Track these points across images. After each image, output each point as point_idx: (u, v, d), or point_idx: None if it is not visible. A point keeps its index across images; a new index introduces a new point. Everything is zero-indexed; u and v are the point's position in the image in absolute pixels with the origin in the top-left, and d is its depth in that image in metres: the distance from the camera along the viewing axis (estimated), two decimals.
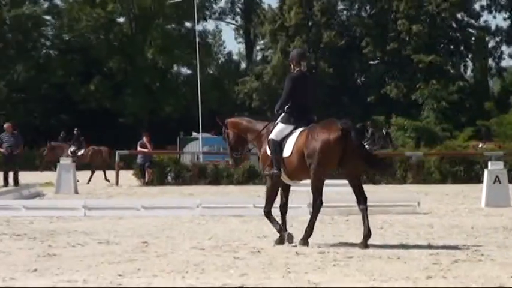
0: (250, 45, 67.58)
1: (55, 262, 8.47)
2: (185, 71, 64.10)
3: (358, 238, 10.06)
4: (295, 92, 10.26)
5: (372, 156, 10.37)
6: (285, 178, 10.29)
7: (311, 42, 58.45)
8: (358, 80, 62.54)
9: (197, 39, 41.93)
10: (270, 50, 61.71)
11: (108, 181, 27.57)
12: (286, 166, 10.12)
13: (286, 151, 10.10)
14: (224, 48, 69.22)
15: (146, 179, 27.41)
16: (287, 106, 10.27)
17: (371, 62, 60.46)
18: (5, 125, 27.28)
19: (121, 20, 62.79)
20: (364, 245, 9.72)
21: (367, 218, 9.89)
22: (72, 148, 29.29)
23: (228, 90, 61.32)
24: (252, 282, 7.27)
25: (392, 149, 32.70)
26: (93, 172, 28.85)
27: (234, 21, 70.58)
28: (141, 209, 14.55)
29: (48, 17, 61.39)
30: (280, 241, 10.17)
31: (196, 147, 37.55)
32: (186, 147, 39.99)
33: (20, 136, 27.17)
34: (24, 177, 27.15)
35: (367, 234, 9.80)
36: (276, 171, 10.13)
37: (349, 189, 21.94)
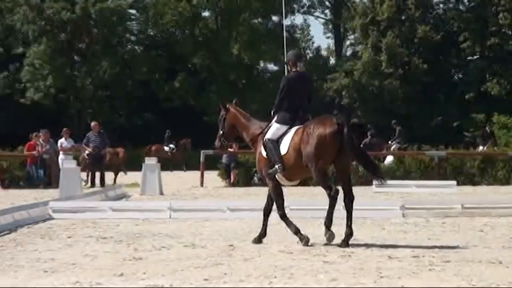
0: (339, 40, 66.57)
1: (141, 266, 8.49)
2: (272, 67, 63.68)
3: (456, 241, 9.77)
4: (290, 92, 10.51)
5: (364, 154, 10.63)
6: (281, 179, 10.51)
7: (404, 37, 56.91)
8: (456, 77, 60.68)
9: (285, 34, 41.37)
10: (361, 45, 60.53)
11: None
12: (284, 165, 10.34)
13: (282, 150, 10.35)
14: (312, 43, 68.29)
15: (231, 180, 27.24)
16: (284, 106, 10.54)
17: (470, 58, 58.27)
18: (92, 124, 27.35)
19: (206, 14, 62.79)
20: (346, 243, 10.01)
21: (351, 217, 10.15)
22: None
23: (316, 87, 60.61)
24: (342, 287, 7.15)
25: (497, 148, 31.91)
26: (115, 174, 28.24)
27: (323, 15, 69.80)
28: (227, 211, 14.46)
29: (133, 11, 61.34)
30: (306, 242, 10.24)
31: None
32: None
33: (106, 135, 27.35)
34: (110, 177, 27.47)
35: (350, 234, 10.11)
36: (279, 165, 10.29)
37: (445, 190, 21.48)
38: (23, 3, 55.42)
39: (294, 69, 10.72)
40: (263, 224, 10.67)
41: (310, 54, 66.59)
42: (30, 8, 55.23)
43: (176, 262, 8.73)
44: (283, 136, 10.41)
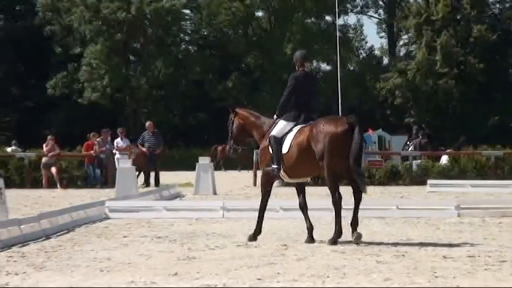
0: (393, 39, 66.28)
1: (195, 265, 8.53)
2: (324, 66, 63.65)
3: None
4: (297, 90, 10.79)
5: (360, 153, 10.46)
6: (284, 176, 10.77)
7: (459, 36, 56.41)
8: None
9: (338, 34, 41.35)
10: (415, 44, 60.24)
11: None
12: (285, 162, 10.58)
13: (285, 148, 10.59)
14: (366, 43, 67.79)
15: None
16: (290, 104, 10.82)
17: None
18: (147, 124, 27.58)
19: (259, 14, 62.94)
20: (356, 236, 10.29)
21: (357, 211, 10.42)
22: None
23: (369, 86, 60.36)
24: (396, 287, 7.10)
25: None
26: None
27: (376, 15, 69.53)
28: (279, 210, 14.44)
29: (187, 11, 61.86)
30: (249, 240, 10.82)
31: None
32: None
33: (160, 135, 27.53)
34: (165, 177, 27.62)
35: (355, 223, 10.39)
36: (276, 167, 10.62)
37: (502, 190, 21.18)
38: (80, 3, 56.21)
39: (301, 69, 11.00)
40: (305, 219, 10.88)
41: (363, 54, 66.22)
42: (87, 8, 56.01)
43: (229, 261, 8.78)
44: (286, 134, 10.64)
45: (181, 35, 62.60)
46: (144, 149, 26.47)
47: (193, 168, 23.35)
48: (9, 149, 32.28)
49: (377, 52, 67.75)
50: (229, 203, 15.18)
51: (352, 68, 62.23)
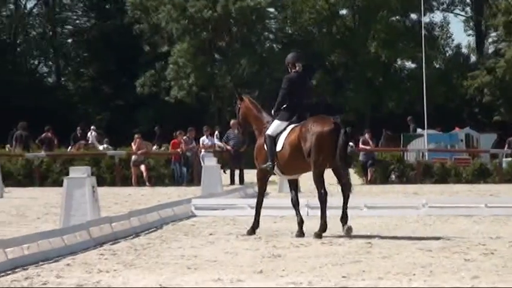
0: (481, 37, 65.10)
1: (280, 263, 8.61)
2: (409, 65, 62.85)
3: None
4: (291, 91, 11.50)
5: (345, 153, 11.21)
6: (277, 172, 11.57)
7: None
8: None
9: (423, 32, 40.96)
10: (504, 42, 59.03)
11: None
12: (279, 160, 11.29)
13: (279, 146, 11.29)
14: (452, 40, 66.82)
15: (368, 178, 27.12)
16: (284, 105, 11.50)
17: None
18: (231, 122, 27.84)
19: (344, 12, 62.73)
20: (347, 228, 11.02)
21: (346, 206, 11.25)
22: (154, 147, 28.88)
23: (456, 84, 59.37)
24: (484, 286, 7.00)
25: None
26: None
27: (463, 13, 68.36)
28: (364, 208, 14.42)
29: (271, 10, 61.95)
30: (251, 232, 11.56)
31: (421, 145, 37.12)
32: (410, 144, 39.72)
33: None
34: (249, 175, 27.72)
35: (345, 218, 11.17)
36: (270, 164, 11.29)
37: None
38: (168, 2, 56.89)
39: (294, 70, 11.67)
40: (297, 214, 11.65)
41: (450, 52, 65.14)
42: (174, 7, 56.65)
43: (314, 259, 8.84)
44: (281, 133, 11.34)
45: (266, 33, 62.68)
46: (228, 147, 26.70)
47: None
48: (100, 147, 32.99)
49: (464, 50, 66.57)
50: (314, 201, 15.16)
51: (438, 66, 61.31)
